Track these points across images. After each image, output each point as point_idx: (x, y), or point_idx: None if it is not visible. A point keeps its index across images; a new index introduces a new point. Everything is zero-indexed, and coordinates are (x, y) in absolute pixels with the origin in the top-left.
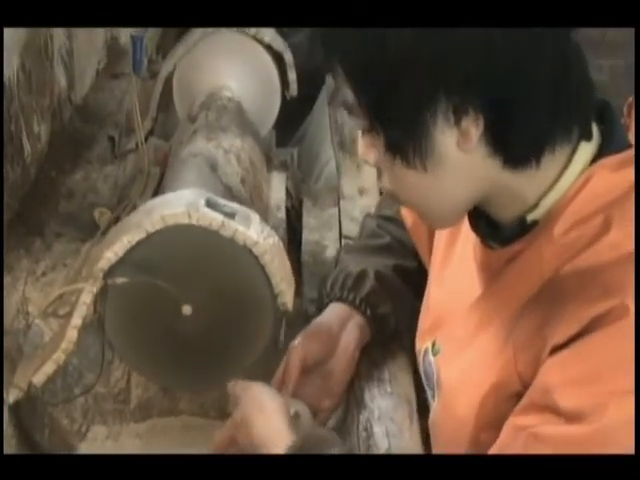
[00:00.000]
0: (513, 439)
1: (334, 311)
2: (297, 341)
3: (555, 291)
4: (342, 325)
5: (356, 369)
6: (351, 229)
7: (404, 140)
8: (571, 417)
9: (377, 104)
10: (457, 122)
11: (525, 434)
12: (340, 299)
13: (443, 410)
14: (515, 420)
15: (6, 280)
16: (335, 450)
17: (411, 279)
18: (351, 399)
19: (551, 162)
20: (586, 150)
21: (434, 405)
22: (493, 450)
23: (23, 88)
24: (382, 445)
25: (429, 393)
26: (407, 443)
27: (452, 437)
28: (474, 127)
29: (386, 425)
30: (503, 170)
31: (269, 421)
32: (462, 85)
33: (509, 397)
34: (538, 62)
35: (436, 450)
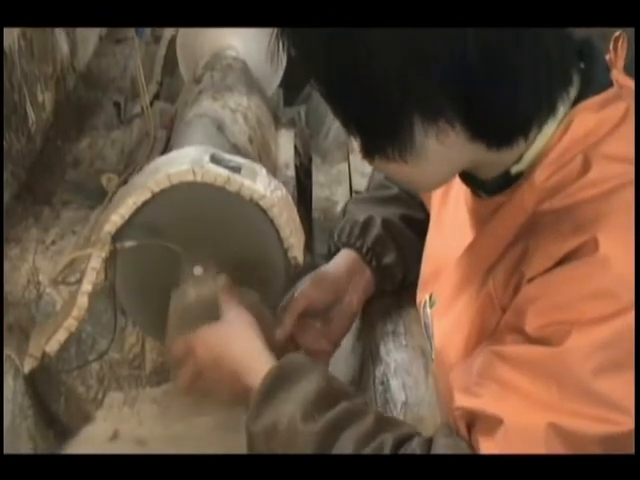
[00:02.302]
0: (476, 357)
1: (343, 259)
2: (304, 288)
3: (532, 229)
4: (349, 277)
5: (371, 323)
6: (361, 184)
7: (382, 144)
8: (534, 340)
9: (353, 118)
10: (433, 122)
11: (486, 351)
12: (347, 245)
13: (437, 363)
14: (487, 342)
15: (15, 251)
16: (314, 377)
17: (419, 229)
18: (366, 354)
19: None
20: (567, 96)
21: (433, 357)
22: (459, 367)
23: (25, 56)
24: (399, 398)
25: (428, 345)
26: (423, 395)
27: (446, 387)
28: (450, 126)
29: (402, 378)
30: (488, 151)
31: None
32: (435, 91)
33: None
34: (515, 52)
35: (438, 399)
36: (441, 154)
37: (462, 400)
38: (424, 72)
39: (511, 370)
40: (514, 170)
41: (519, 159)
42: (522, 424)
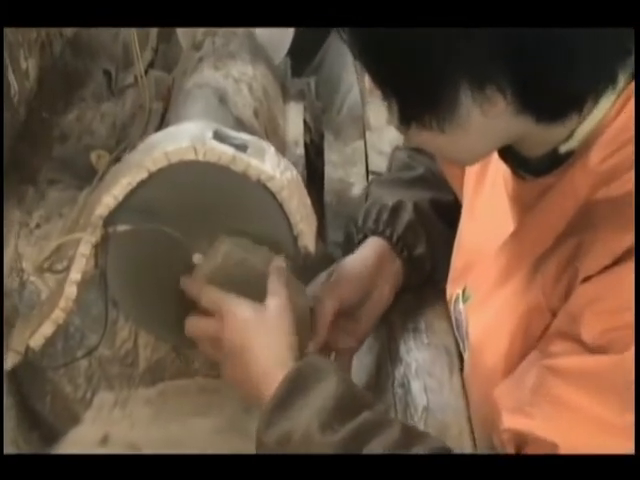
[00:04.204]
0: (527, 371)
1: (371, 249)
2: (334, 288)
3: (587, 220)
4: (379, 268)
5: (389, 319)
6: (379, 164)
7: (421, 111)
8: (593, 349)
9: (392, 81)
10: (480, 90)
11: (539, 365)
12: (375, 233)
13: (472, 364)
14: (535, 351)
15: None
16: (333, 382)
17: (448, 214)
18: (384, 353)
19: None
20: (627, 67)
21: (465, 358)
22: (507, 382)
23: None
24: (420, 402)
25: (461, 345)
26: (447, 398)
27: (484, 393)
28: (500, 95)
29: (424, 379)
30: (537, 125)
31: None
32: (484, 60)
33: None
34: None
35: (472, 409)
36: (483, 126)
37: (511, 421)
38: (473, 36)
39: (565, 385)
40: (564, 148)
41: (570, 136)
42: (579, 449)
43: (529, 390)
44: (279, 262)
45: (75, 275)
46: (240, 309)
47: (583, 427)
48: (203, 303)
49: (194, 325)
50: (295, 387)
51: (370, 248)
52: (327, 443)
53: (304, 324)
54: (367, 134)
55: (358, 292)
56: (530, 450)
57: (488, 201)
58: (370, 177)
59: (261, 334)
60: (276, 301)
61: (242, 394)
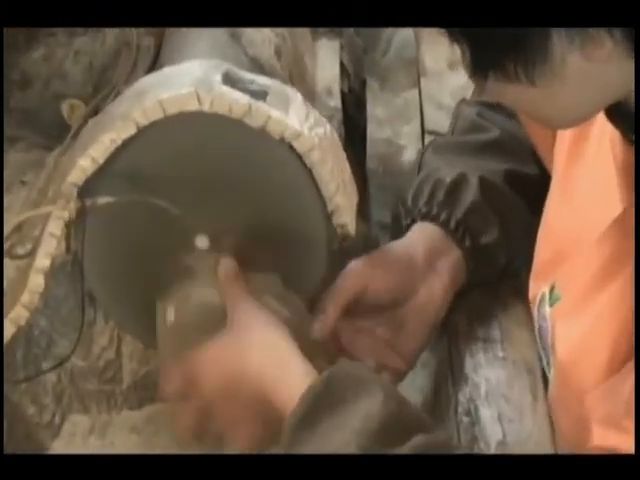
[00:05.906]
0: (626, 376)
1: (421, 236)
2: (359, 265)
3: None
4: (430, 261)
5: (451, 325)
6: (438, 121)
7: (501, 56)
8: None
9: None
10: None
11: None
12: (427, 217)
13: (560, 386)
14: None
15: None
16: (377, 396)
17: (531, 191)
18: (445, 369)
19: None
20: None
21: (550, 377)
22: (600, 390)
23: None
24: (493, 434)
25: (544, 360)
26: (529, 430)
27: (575, 423)
28: (605, 34)
29: (498, 406)
30: None
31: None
32: None
33: None
34: None
35: (560, 440)
36: (586, 74)
37: (603, 436)
38: None
39: None
40: None
41: None
42: None
43: (626, 400)
44: (226, 264)
45: (42, 261)
46: (205, 353)
47: None
48: (171, 392)
49: (182, 425)
50: (325, 401)
51: (418, 235)
52: None
53: (297, 324)
54: (422, 81)
55: (395, 284)
56: None
57: (589, 174)
58: (427, 137)
59: (247, 351)
60: (240, 306)
61: (268, 436)
